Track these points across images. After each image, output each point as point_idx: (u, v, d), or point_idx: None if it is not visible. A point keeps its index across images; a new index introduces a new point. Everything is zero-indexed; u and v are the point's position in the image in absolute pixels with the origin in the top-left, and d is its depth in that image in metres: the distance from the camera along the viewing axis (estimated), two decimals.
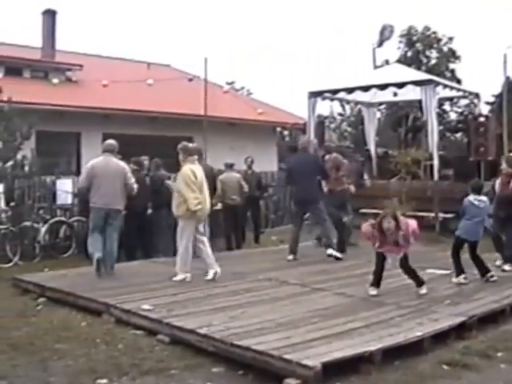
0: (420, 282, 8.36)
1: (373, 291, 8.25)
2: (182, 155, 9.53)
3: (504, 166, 10.58)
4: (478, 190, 9.25)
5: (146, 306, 7.53)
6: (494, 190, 10.60)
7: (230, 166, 13.86)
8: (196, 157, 9.65)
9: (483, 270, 9.21)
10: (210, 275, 9.38)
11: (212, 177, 11.84)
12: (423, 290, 8.28)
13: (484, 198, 9.19)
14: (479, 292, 8.47)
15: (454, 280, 9.05)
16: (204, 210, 9.53)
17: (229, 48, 70.22)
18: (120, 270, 9.91)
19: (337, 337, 6.30)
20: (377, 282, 8.33)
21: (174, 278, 9.25)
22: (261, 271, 10.02)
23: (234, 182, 13.54)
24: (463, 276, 9.05)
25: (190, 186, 9.26)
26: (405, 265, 8.32)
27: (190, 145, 9.81)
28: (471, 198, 9.12)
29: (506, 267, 10.00)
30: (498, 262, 10.18)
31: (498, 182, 10.72)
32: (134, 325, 7.28)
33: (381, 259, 8.27)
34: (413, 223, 8.18)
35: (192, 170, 9.37)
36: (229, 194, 13.39)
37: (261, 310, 7.41)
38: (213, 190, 11.16)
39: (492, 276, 9.16)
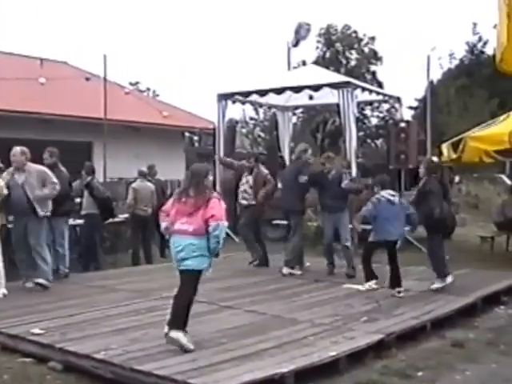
0: None
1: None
2: None
3: (422, 171, 10.29)
4: (386, 185, 9.45)
5: (36, 330, 7.36)
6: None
7: (144, 175, 13.78)
8: None
9: (395, 281, 9.40)
10: None
11: None
12: None
13: (395, 193, 9.38)
14: (398, 308, 8.66)
15: (363, 287, 9.19)
16: None
17: (132, 45, 69.78)
18: (7, 289, 9.63)
19: (246, 358, 6.34)
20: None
21: None
22: (165, 288, 9.86)
23: (147, 192, 13.45)
24: (374, 281, 9.22)
25: None
26: None
27: None
28: (383, 193, 9.29)
29: (435, 285, 9.76)
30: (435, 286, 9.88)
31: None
32: (23, 352, 7.08)
33: None
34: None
35: None
36: (141, 204, 13.28)
37: (164, 331, 7.37)
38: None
39: (399, 292, 9.33)
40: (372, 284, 9.19)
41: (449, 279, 9.79)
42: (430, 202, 9.72)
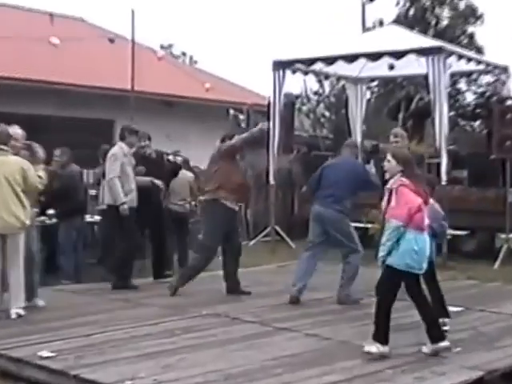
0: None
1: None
2: None
3: None
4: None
5: (44, 353, 7.47)
6: None
7: (183, 162, 13.88)
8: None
9: (443, 312, 8.71)
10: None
11: None
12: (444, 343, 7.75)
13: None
14: (503, 337, 8.55)
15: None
16: None
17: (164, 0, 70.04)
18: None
19: None
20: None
21: None
22: (205, 304, 10.05)
23: (183, 184, 13.47)
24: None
25: None
26: None
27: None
28: None
29: None
30: None
31: None
32: (28, 379, 7.19)
33: None
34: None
35: None
36: (175, 198, 13.32)
37: (205, 357, 7.43)
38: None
39: (445, 332, 8.21)
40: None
41: None
42: None
